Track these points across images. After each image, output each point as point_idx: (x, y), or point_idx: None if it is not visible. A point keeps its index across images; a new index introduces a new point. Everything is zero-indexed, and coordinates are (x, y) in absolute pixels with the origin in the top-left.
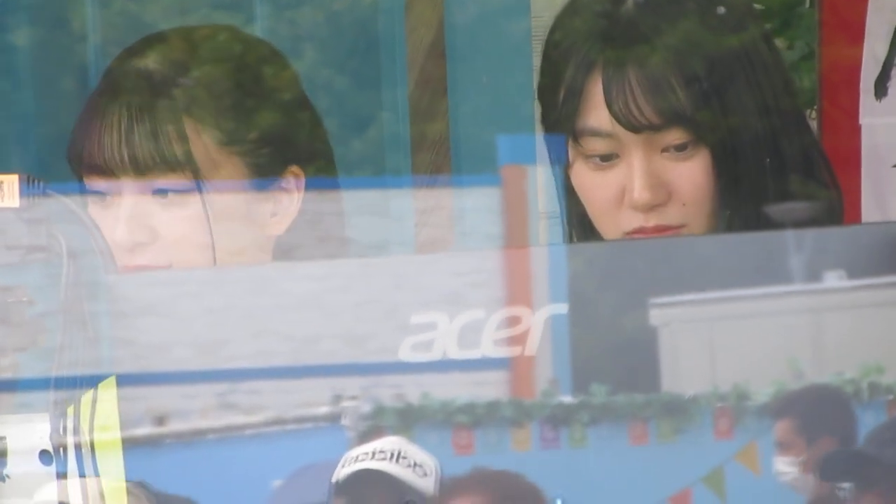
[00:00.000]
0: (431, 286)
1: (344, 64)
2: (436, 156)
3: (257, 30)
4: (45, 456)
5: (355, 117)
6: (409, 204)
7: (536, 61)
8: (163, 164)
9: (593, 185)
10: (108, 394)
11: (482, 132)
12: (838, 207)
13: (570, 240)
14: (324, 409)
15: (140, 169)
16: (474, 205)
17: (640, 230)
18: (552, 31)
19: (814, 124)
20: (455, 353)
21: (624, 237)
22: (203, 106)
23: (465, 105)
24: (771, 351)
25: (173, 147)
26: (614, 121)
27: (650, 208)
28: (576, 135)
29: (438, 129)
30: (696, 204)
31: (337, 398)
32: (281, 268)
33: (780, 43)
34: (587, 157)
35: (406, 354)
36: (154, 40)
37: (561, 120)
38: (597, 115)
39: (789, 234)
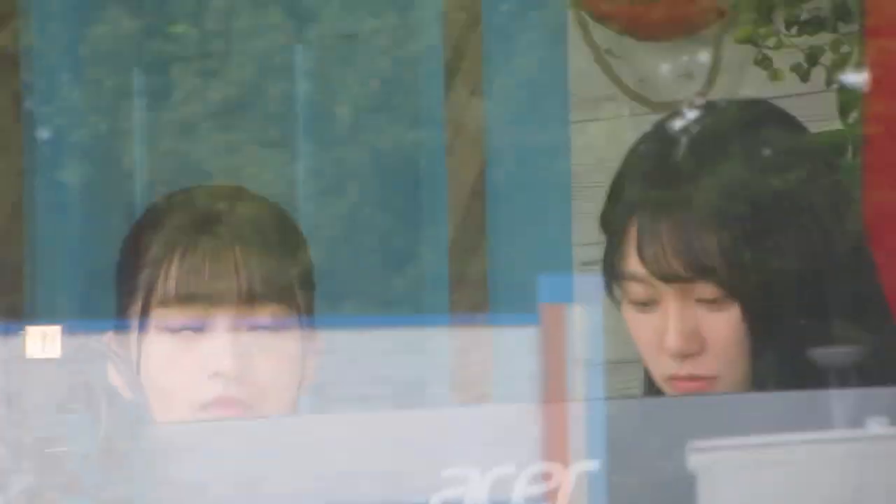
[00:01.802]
0: (465, 438)
1: (386, 202)
2: (474, 295)
3: (301, 168)
4: None
5: (396, 255)
6: (446, 342)
7: (575, 205)
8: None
9: (637, 326)
10: None
11: (521, 273)
12: (886, 353)
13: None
14: None
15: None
16: (512, 344)
17: (674, 377)
18: (614, 179)
19: None
20: None
21: (664, 381)
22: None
23: (504, 245)
24: (812, 497)
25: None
26: (645, 269)
27: (683, 357)
28: (617, 277)
29: (478, 269)
30: (729, 355)
31: None
32: (318, 419)
33: None
34: (630, 300)
35: None
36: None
37: (606, 260)
38: (632, 261)
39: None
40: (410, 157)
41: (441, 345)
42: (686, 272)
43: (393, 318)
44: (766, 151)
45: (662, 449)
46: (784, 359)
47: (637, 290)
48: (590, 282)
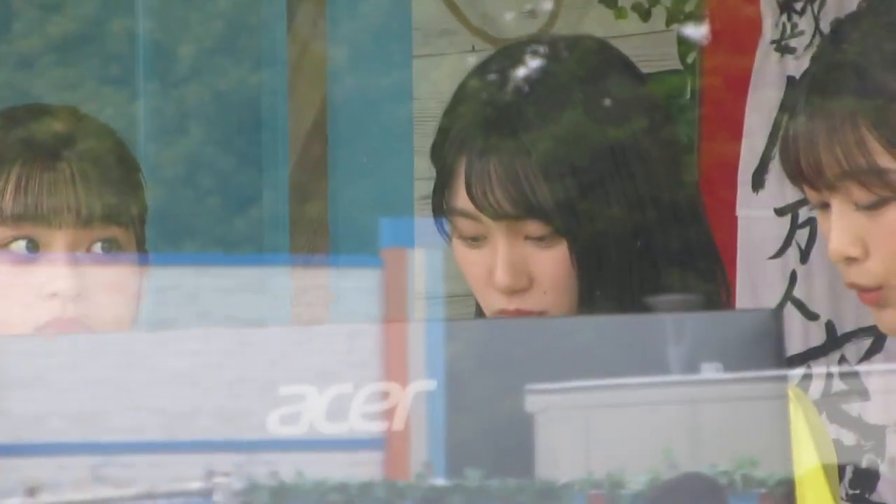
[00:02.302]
0: (302, 359)
1: (228, 143)
2: (314, 236)
3: (142, 107)
4: None
5: (237, 196)
6: (286, 283)
7: (417, 144)
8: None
9: (466, 262)
10: None
11: (362, 214)
12: (718, 300)
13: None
14: (196, 485)
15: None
16: (353, 286)
17: (503, 312)
18: (444, 112)
19: None
20: (323, 427)
21: (493, 315)
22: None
23: (345, 187)
24: (646, 439)
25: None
26: (474, 205)
27: (512, 292)
28: (447, 213)
29: (318, 210)
30: (557, 292)
31: (209, 474)
32: (155, 338)
33: None
34: (460, 235)
35: (274, 427)
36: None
37: (436, 198)
38: (461, 197)
39: (663, 320)
40: (252, 97)
41: (282, 285)
42: (514, 210)
43: (234, 257)
44: (600, 94)
45: (498, 368)
46: (611, 302)
47: (466, 225)
48: (429, 222)
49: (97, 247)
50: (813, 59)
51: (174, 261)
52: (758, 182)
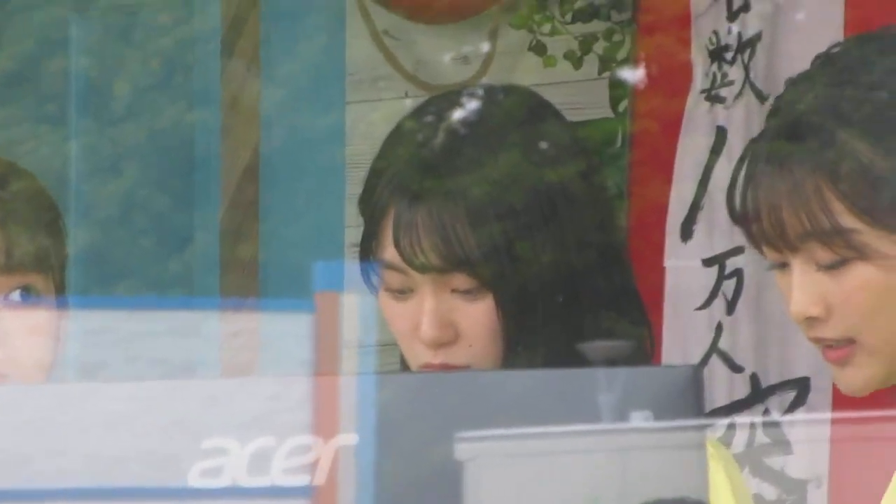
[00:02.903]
0: (228, 411)
1: (161, 183)
2: (245, 278)
3: (75, 146)
4: None
5: (170, 237)
6: (216, 326)
7: (350, 189)
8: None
9: (393, 314)
10: None
11: (293, 257)
12: (644, 348)
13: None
14: None
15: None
16: (283, 330)
17: (428, 365)
18: (373, 161)
19: None
20: (245, 481)
21: (418, 370)
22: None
23: (276, 229)
24: (575, 488)
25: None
26: (401, 258)
27: (437, 346)
28: (374, 264)
29: (249, 252)
30: (482, 345)
31: None
32: (85, 387)
33: None
34: (387, 287)
35: (195, 480)
36: None
37: (363, 249)
38: (388, 250)
39: (593, 373)
40: (186, 137)
41: (212, 328)
42: (441, 263)
43: (164, 301)
44: (530, 142)
45: (427, 421)
46: (538, 352)
47: (393, 278)
48: (360, 268)
49: (15, 294)
50: (768, 118)
51: (105, 304)
52: (686, 232)
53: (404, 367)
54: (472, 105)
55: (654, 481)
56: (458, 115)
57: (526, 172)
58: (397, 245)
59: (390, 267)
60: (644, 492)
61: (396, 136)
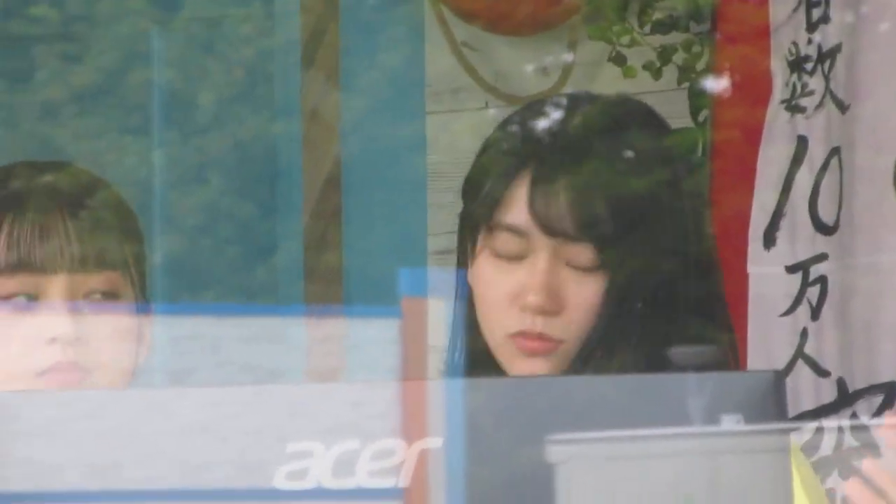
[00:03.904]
0: (312, 414)
1: (245, 192)
2: (329, 285)
3: (160, 156)
4: None
5: (254, 245)
6: (302, 333)
7: (431, 197)
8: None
9: (494, 279)
10: None
11: (376, 264)
12: (730, 355)
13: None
14: None
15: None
16: (369, 336)
17: (523, 333)
18: (497, 128)
19: None
20: (330, 483)
21: (507, 338)
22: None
23: (360, 237)
24: (668, 491)
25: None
26: (532, 220)
27: (542, 313)
28: (491, 227)
29: (333, 260)
30: (582, 324)
31: None
32: (173, 392)
33: None
34: (495, 252)
35: (281, 482)
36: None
37: (479, 211)
38: (516, 211)
39: (680, 378)
40: (268, 146)
41: (298, 335)
42: (574, 230)
43: (251, 308)
44: (641, 146)
45: (516, 426)
46: (628, 345)
47: (508, 241)
48: (446, 273)
49: (97, 295)
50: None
51: (193, 311)
52: (769, 239)
53: (475, 345)
54: (586, 107)
55: (742, 484)
56: (577, 114)
57: (641, 172)
58: (532, 205)
59: (510, 230)
60: (731, 495)
61: (510, 124)
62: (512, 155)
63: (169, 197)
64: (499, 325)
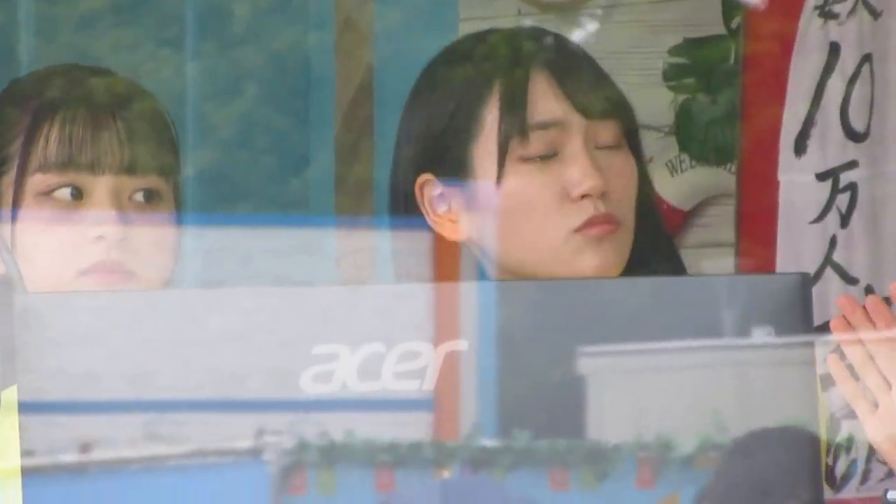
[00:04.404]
0: (337, 317)
1: (278, 104)
2: (360, 197)
3: (195, 68)
4: None
5: (288, 156)
6: (333, 244)
7: None
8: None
9: (534, 186)
10: (8, 419)
11: None
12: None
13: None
14: (246, 443)
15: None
16: (399, 246)
17: (591, 221)
18: (459, 52)
19: (733, 179)
20: (355, 385)
21: (571, 234)
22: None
23: (391, 148)
24: (695, 403)
25: None
26: (568, 108)
27: (600, 195)
28: (524, 132)
29: (364, 171)
30: (630, 201)
31: (260, 433)
32: (195, 293)
33: (703, 98)
34: (527, 160)
35: (307, 385)
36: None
37: (502, 126)
38: (545, 106)
39: (712, 280)
40: (301, 57)
41: (329, 246)
42: (605, 106)
43: (283, 219)
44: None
45: (538, 332)
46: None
47: (540, 141)
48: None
49: (139, 195)
50: None
51: (225, 222)
52: (800, 147)
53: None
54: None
55: (769, 395)
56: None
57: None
58: (564, 93)
59: (542, 126)
60: (758, 404)
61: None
62: (518, 52)
63: (203, 109)
64: (557, 225)
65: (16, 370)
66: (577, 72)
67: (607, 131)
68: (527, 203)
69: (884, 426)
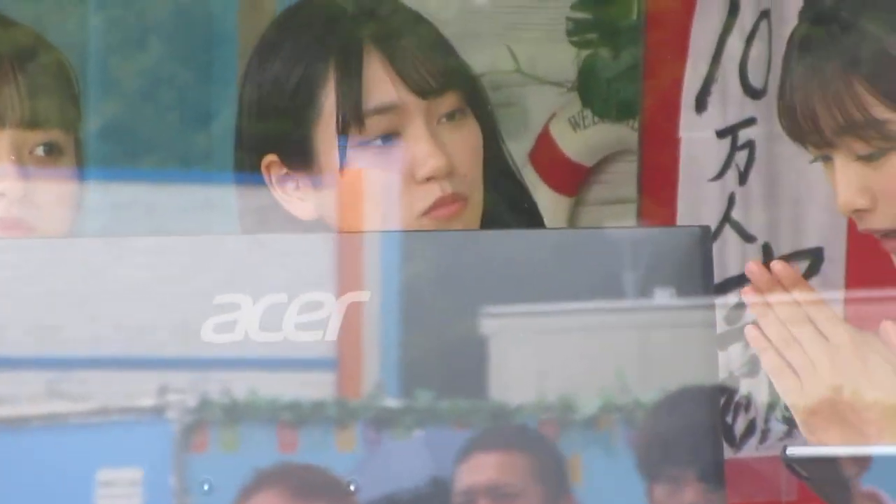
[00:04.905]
0: (245, 269)
1: (183, 58)
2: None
3: (98, 20)
4: None
5: (192, 111)
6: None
7: None
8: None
9: (377, 170)
10: None
11: None
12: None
13: None
14: (150, 401)
15: None
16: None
17: (438, 203)
18: (268, 43)
19: (635, 135)
20: (256, 336)
21: (420, 217)
22: None
23: None
24: (598, 364)
25: None
26: (403, 89)
27: (445, 174)
28: (360, 118)
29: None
30: (473, 173)
31: (163, 391)
32: (96, 242)
33: (606, 54)
34: (367, 145)
35: (208, 336)
36: None
37: (339, 112)
38: (380, 89)
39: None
40: (205, 12)
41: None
42: (439, 83)
43: (187, 175)
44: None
45: (434, 284)
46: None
47: (379, 123)
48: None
49: (40, 150)
50: (800, 14)
51: (130, 177)
52: (701, 104)
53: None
54: None
55: (670, 355)
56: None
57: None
58: (399, 71)
59: (379, 111)
60: (660, 365)
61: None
62: (350, 37)
63: (108, 62)
64: (404, 209)
65: None
66: (410, 48)
67: (447, 104)
68: (371, 187)
69: (806, 398)
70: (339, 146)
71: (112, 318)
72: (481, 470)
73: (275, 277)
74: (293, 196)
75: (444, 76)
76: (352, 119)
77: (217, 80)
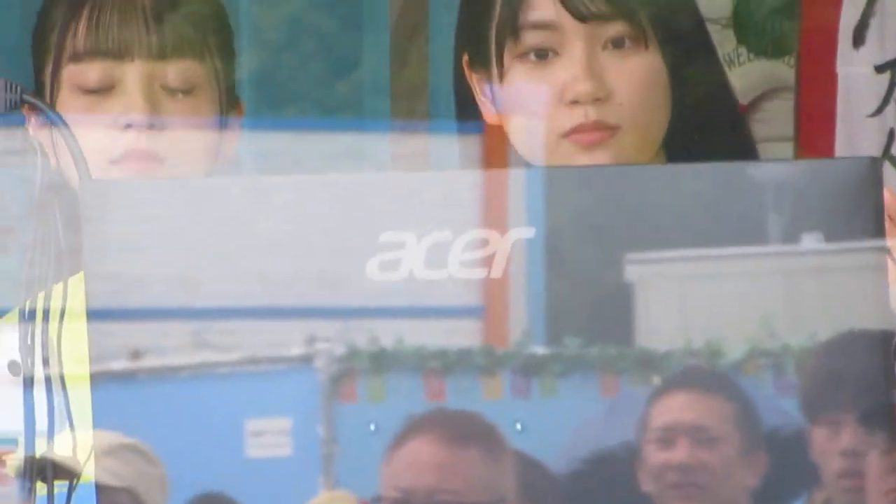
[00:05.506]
0: (402, 207)
1: (330, 6)
2: (413, 101)
3: None
4: (13, 366)
5: (339, 60)
6: (386, 149)
7: None
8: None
9: (530, 85)
10: (79, 290)
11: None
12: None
13: None
14: (297, 350)
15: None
16: (452, 152)
17: (580, 127)
18: None
19: (791, 72)
20: (421, 273)
21: (560, 139)
22: None
23: (445, 52)
24: (745, 310)
25: None
26: (561, 9)
27: (592, 101)
28: (516, 30)
29: (417, 75)
30: (633, 105)
31: (310, 340)
32: (258, 180)
33: None
34: (523, 56)
35: (374, 273)
36: None
37: (500, 22)
38: (540, 5)
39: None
40: None
41: (382, 151)
42: (605, 7)
43: (334, 123)
44: None
45: (599, 218)
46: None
47: (536, 39)
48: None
49: (172, 82)
50: None
51: (276, 126)
52: (858, 38)
53: None
54: None
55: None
56: None
57: None
58: None
59: (537, 27)
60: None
61: None
62: None
63: (254, 10)
64: (549, 128)
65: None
66: None
67: (614, 30)
68: (521, 102)
69: None
70: (496, 57)
71: (271, 253)
72: (685, 409)
73: (438, 215)
74: (486, 102)
75: (612, 3)
76: (508, 30)
77: (366, 28)
